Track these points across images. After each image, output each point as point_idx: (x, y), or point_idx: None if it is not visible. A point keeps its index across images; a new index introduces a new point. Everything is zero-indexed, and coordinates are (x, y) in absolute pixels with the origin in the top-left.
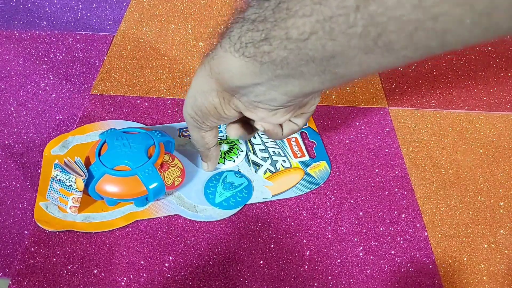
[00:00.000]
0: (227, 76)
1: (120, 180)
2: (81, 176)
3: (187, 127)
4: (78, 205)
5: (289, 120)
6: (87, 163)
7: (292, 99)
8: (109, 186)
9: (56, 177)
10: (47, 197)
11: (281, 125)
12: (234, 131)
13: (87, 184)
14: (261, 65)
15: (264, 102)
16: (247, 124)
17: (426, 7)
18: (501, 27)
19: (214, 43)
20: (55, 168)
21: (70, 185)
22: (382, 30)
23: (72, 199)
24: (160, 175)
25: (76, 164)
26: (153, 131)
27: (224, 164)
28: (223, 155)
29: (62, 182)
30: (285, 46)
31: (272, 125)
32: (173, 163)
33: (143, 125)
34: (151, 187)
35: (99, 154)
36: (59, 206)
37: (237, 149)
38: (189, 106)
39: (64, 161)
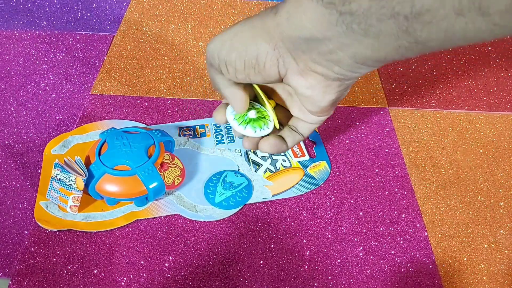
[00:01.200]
0: (297, 21)
1: (120, 180)
2: (81, 175)
3: (187, 127)
4: (78, 205)
5: (295, 131)
6: (87, 163)
7: (357, 67)
8: (109, 186)
9: (56, 176)
10: (47, 197)
11: (284, 140)
12: (268, 147)
13: (87, 184)
14: (339, 15)
15: (325, 64)
16: (281, 139)
17: None
18: None
19: None
20: (55, 168)
21: (70, 184)
22: None
23: (72, 199)
24: (160, 174)
25: (76, 164)
26: (153, 131)
27: (244, 129)
28: (249, 121)
29: (62, 181)
30: None
31: (273, 148)
32: (173, 162)
33: (143, 125)
34: (151, 186)
35: (99, 154)
36: (59, 206)
37: (264, 123)
38: (219, 43)
39: (65, 161)
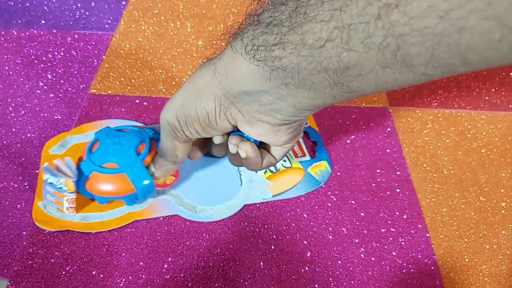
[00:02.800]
0: (234, 78)
1: (108, 178)
2: (70, 177)
3: None
4: (74, 205)
5: (268, 152)
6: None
7: (299, 113)
8: (97, 184)
9: (47, 180)
10: (44, 200)
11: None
12: (217, 151)
13: (77, 183)
14: (272, 70)
15: (268, 113)
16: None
17: (452, 19)
18: None
19: (223, 46)
20: (45, 172)
21: (61, 187)
22: (403, 42)
23: (66, 201)
24: (150, 173)
25: (66, 166)
26: (145, 129)
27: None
28: None
29: (54, 184)
30: (298, 52)
31: (255, 153)
32: None
33: (142, 124)
34: (139, 185)
35: (90, 152)
36: (57, 207)
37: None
38: (172, 110)
39: (55, 163)
